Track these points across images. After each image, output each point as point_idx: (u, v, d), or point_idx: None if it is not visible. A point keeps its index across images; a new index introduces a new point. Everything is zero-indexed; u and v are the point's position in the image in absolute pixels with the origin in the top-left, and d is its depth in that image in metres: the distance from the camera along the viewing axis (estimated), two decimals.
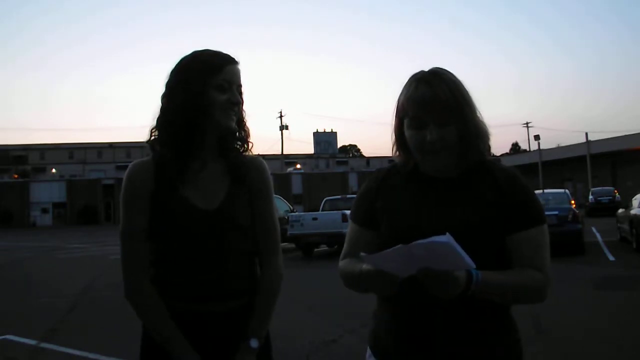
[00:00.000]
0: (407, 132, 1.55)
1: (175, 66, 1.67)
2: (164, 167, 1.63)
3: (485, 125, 1.59)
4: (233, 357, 1.63)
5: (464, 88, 1.56)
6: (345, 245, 1.70)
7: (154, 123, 1.67)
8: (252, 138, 1.77)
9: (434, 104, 1.49)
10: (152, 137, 1.68)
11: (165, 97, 1.66)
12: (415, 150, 1.55)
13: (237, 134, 1.72)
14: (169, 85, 1.65)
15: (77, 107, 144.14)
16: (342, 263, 1.66)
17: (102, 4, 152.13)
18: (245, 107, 1.73)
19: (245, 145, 1.75)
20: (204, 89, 1.60)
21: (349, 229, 1.71)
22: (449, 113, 1.49)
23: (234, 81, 1.65)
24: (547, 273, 1.49)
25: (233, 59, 1.67)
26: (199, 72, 1.61)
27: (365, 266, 1.42)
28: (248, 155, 1.75)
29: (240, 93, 1.68)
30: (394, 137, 1.62)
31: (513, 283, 1.46)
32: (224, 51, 1.69)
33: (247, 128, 1.75)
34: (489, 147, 1.60)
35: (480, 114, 1.58)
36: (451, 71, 1.59)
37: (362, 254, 1.38)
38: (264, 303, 1.71)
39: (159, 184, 1.62)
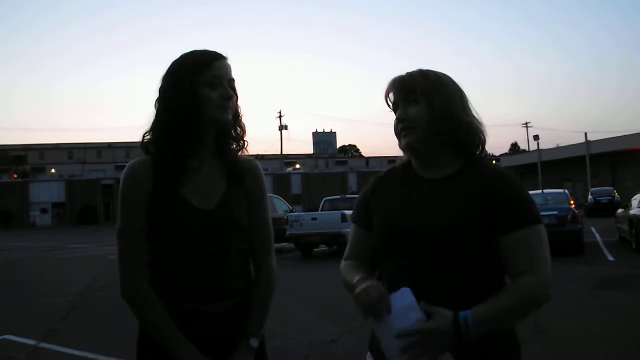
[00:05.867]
0: None
1: (166, 70, 1.67)
2: (163, 166, 1.63)
3: (474, 120, 1.59)
4: (229, 355, 1.64)
5: (446, 79, 1.59)
6: (347, 246, 1.75)
7: (148, 127, 1.67)
8: (252, 138, 1.79)
9: (402, 83, 1.58)
10: (146, 140, 1.68)
11: (159, 101, 1.66)
12: (395, 135, 1.61)
13: (233, 131, 1.73)
14: (162, 89, 1.66)
15: (76, 107, 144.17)
16: (343, 264, 1.70)
17: (102, 4, 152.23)
18: (241, 104, 1.74)
19: (241, 144, 1.75)
20: (194, 87, 1.61)
21: (350, 230, 1.76)
22: (414, 92, 1.55)
23: (224, 76, 1.65)
24: (543, 274, 1.45)
25: (221, 54, 1.68)
26: (189, 71, 1.62)
27: (362, 281, 1.50)
28: (243, 157, 1.76)
29: (233, 87, 1.68)
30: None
31: (508, 307, 1.43)
32: (219, 50, 1.70)
33: (243, 125, 1.76)
34: (482, 145, 1.60)
35: (472, 110, 1.60)
36: (444, 72, 1.62)
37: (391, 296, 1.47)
38: (261, 302, 1.73)
39: (157, 183, 1.62)
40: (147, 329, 1.63)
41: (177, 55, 1.69)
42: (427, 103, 1.53)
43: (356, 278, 1.54)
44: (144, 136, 1.68)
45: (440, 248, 1.49)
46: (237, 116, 1.73)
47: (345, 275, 1.64)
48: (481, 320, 1.39)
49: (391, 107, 1.63)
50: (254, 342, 1.66)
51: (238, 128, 1.74)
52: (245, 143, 1.76)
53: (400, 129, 1.57)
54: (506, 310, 1.44)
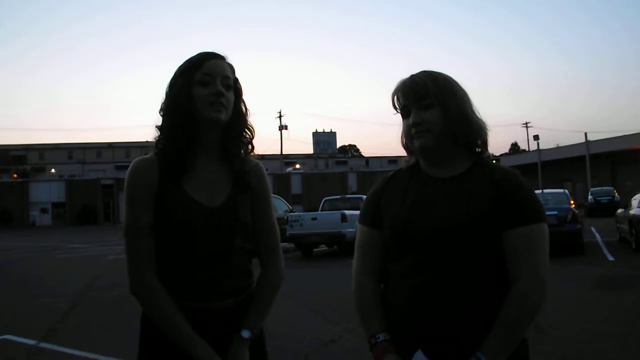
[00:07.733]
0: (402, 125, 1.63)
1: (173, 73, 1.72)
2: (167, 163, 1.65)
3: (480, 119, 1.61)
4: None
5: (452, 80, 1.60)
6: (355, 250, 1.72)
7: (159, 126, 1.72)
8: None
9: (413, 88, 1.57)
10: (156, 138, 1.71)
11: (163, 102, 1.71)
12: (406, 138, 1.61)
13: (239, 133, 1.74)
14: (166, 90, 1.71)
15: (76, 107, 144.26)
16: (359, 287, 1.66)
17: (103, 5, 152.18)
18: (247, 104, 1.76)
19: (248, 144, 1.76)
20: (187, 86, 1.65)
21: (357, 232, 1.73)
22: (428, 96, 1.55)
23: (216, 73, 1.67)
24: (541, 278, 1.47)
25: (217, 54, 1.71)
26: (183, 72, 1.68)
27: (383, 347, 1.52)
28: (248, 158, 1.77)
29: (229, 85, 1.69)
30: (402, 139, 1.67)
31: (513, 330, 1.45)
32: (219, 51, 1.72)
33: (251, 126, 1.78)
34: (486, 144, 1.61)
35: (476, 109, 1.61)
36: (446, 73, 1.63)
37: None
38: (264, 300, 1.74)
39: (162, 181, 1.64)
40: (156, 325, 1.62)
41: (180, 57, 1.72)
42: (442, 107, 1.54)
43: (378, 335, 1.55)
44: (157, 140, 1.71)
45: (447, 247, 1.49)
46: (242, 116, 1.74)
47: (362, 312, 1.63)
48: (497, 356, 1.42)
49: (398, 109, 1.62)
50: (245, 333, 1.66)
51: (246, 131, 1.76)
52: (253, 145, 1.78)
53: (414, 132, 1.57)
54: (514, 328, 1.45)
